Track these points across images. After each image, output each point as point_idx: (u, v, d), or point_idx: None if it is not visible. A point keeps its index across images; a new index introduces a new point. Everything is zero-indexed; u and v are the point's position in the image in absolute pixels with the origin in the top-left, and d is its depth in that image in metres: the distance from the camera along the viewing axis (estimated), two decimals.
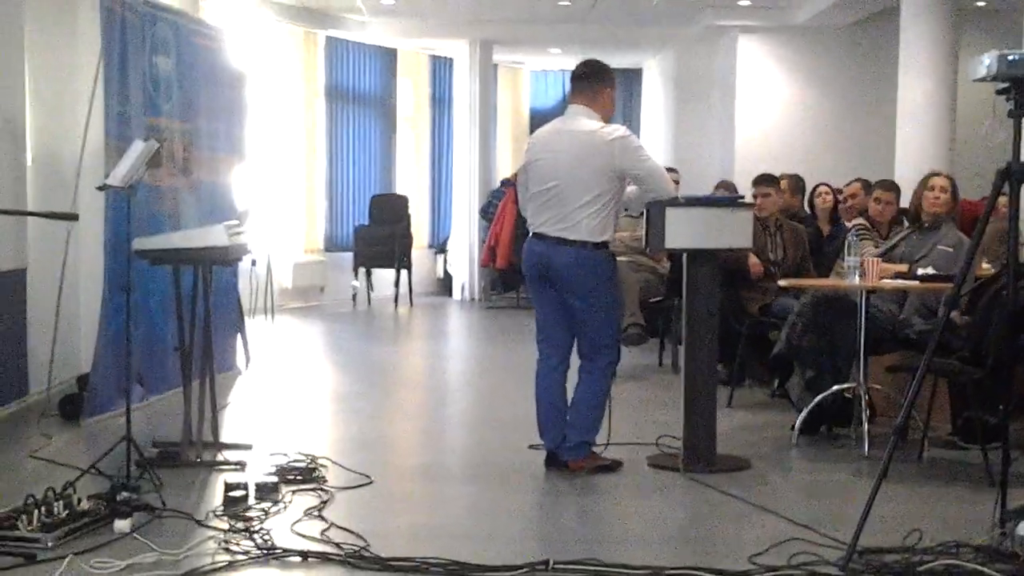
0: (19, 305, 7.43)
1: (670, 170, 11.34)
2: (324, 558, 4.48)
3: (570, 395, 6.10)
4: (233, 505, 5.13)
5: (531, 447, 6.30)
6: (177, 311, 6.29)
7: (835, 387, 6.76)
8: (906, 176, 10.33)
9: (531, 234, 6.06)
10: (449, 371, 10.79)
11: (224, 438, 6.50)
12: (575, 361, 6.12)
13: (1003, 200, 7.58)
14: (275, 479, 5.48)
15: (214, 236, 6.11)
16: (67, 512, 4.75)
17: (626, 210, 6.22)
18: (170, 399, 7.65)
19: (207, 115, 8.65)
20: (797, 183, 9.92)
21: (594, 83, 6.12)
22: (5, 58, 7.30)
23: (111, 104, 7.24)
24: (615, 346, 6.13)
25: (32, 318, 7.54)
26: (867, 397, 6.63)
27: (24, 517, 4.63)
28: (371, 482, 5.71)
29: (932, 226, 7.12)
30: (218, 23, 10.55)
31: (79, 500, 4.88)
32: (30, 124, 7.70)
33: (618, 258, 9.46)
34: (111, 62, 7.24)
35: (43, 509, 4.69)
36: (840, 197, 9.81)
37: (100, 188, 6.36)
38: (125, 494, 5.00)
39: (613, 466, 6.05)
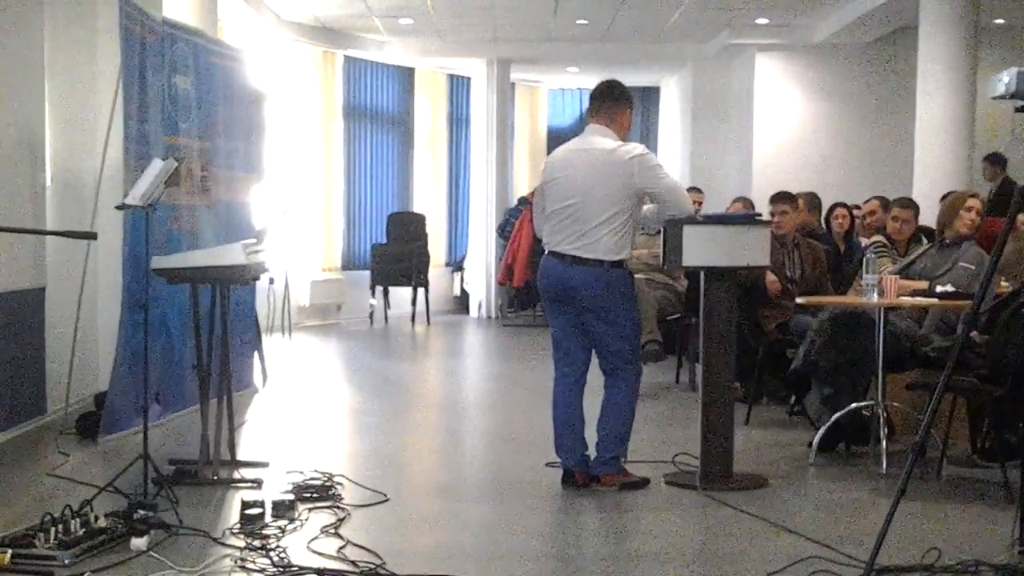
0: (38, 323, 7.46)
1: (693, 190, 11.38)
2: None
3: (589, 412, 6.09)
4: (250, 523, 5.12)
5: (548, 464, 6.28)
6: (195, 329, 6.31)
7: (853, 405, 6.73)
8: (924, 194, 10.31)
9: (547, 252, 6.06)
10: (466, 389, 10.79)
11: (241, 456, 6.52)
12: (592, 379, 6.10)
13: (1022, 218, 7.61)
14: (291, 497, 5.48)
15: (232, 254, 6.12)
16: (84, 530, 4.75)
17: (643, 228, 6.20)
18: (187, 417, 7.67)
19: (225, 134, 8.68)
20: (813, 200, 9.91)
21: (614, 104, 6.13)
22: (25, 78, 7.34)
23: (130, 123, 7.27)
24: (637, 360, 6.12)
25: (50, 336, 7.56)
26: (885, 415, 6.60)
27: (41, 535, 4.63)
28: (387, 500, 5.71)
29: (953, 243, 7.11)
30: (237, 43, 10.60)
31: (96, 518, 4.89)
32: (49, 143, 7.73)
33: (636, 275, 9.50)
34: (130, 81, 7.28)
35: (60, 527, 4.69)
36: (858, 215, 9.80)
37: (119, 207, 6.39)
38: (142, 512, 5.01)
39: (641, 483, 6.04)
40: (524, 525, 5.48)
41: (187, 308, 6.57)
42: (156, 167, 6.09)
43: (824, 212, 10.28)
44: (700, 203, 11.36)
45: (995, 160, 12.71)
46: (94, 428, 7.13)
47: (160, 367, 7.48)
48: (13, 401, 7.11)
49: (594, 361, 6.10)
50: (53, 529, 4.66)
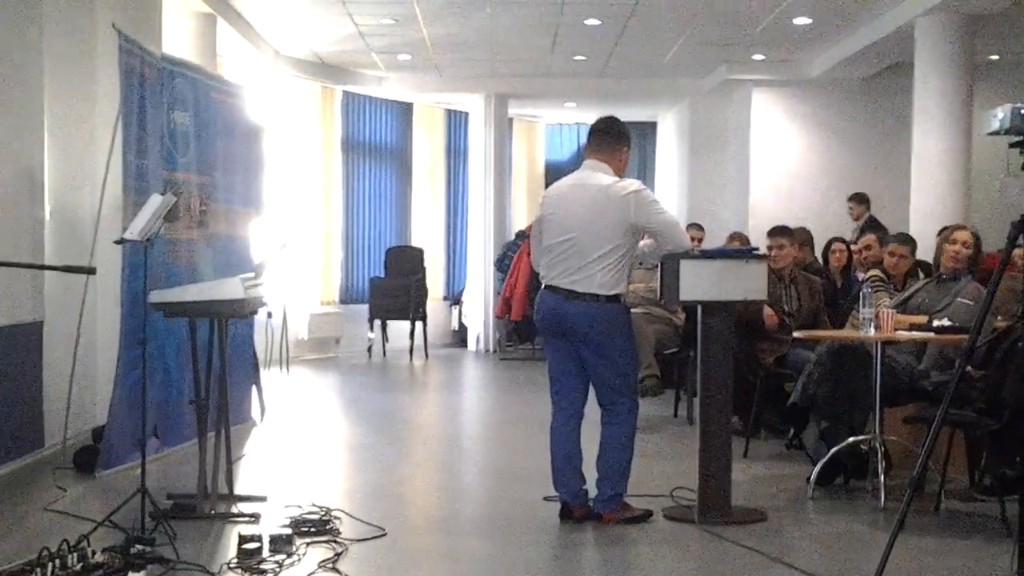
0: (36, 358, 7.46)
1: (694, 227, 11.38)
2: None
3: (587, 446, 6.09)
4: (247, 557, 5.12)
5: (546, 499, 6.28)
6: (193, 363, 6.31)
7: (851, 439, 6.73)
8: (921, 229, 10.34)
9: (544, 286, 6.07)
10: (464, 423, 10.78)
11: (239, 490, 6.51)
12: (589, 412, 6.11)
13: (1019, 252, 7.63)
14: (289, 531, 5.47)
15: (230, 288, 6.13)
16: (81, 565, 4.74)
17: (640, 263, 6.22)
18: (185, 451, 7.67)
19: (224, 168, 8.71)
20: (804, 236, 9.95)
21: (613, 140, 6.17)
22: (25, 113, 7.37)
23: (129, 158, 7.30)
24: (634, 394, 6.12)
25: (48, 370, 7.56)
26: (883, 449, 6.60)
27: (38, 570, 4.62)
28: (385, 534, 5.70)
29: (950, 278, 7.13)
30: (236, 78, 10.66)
31: (93, 553, 4.87)
32: (49, 178, 7.76)
33: (633, 310, 9.50)
34: (129, 117, 7.31)
35: (57, 562, 4.68)
36: (855, 250, 9.83)
37: (118, 242, 6.42)
38: (139, 547, 5.00)
39: (643, 516, 6.04)
40: (522, 560, 5.47)
41: (185, 342, 6.58)
42: (155, 202, 6.11)
43: (822, 247, 10.32)
44: (700, 240, 11.41)
45: (860, 199, 12.90)
46: (92, 462, 7.12)
47: (158, 401, 7.48)
48: (10, 435, 7.10)
49: (592, 396, 6.11)
50: (50, 564, 4.65)
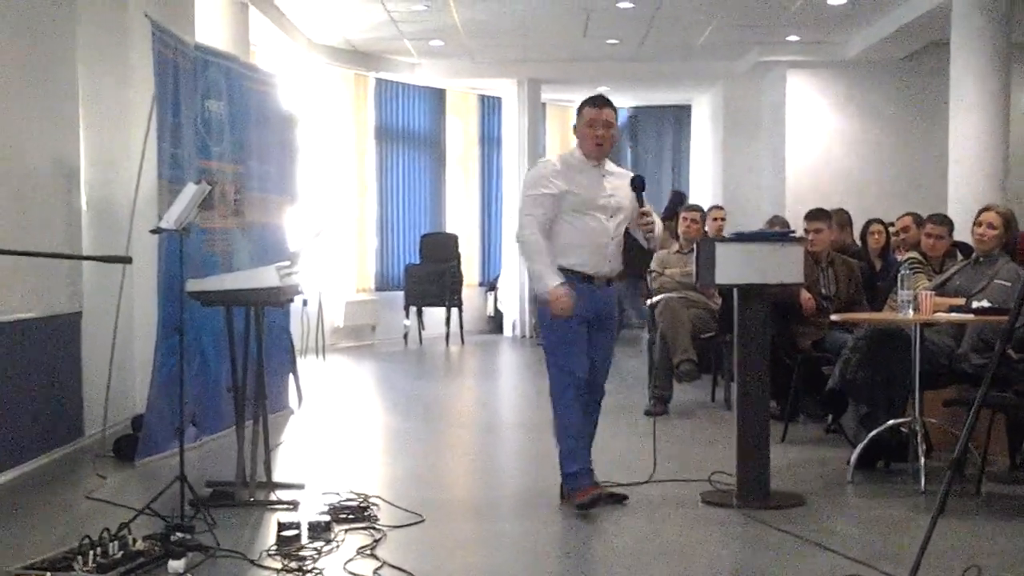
0: (74, 348, 7.51)
1: (716, 208, 11.30)
2: None
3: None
4: (286, 544, 5.13)
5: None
6: (230, 351, 6.33)
7: (890, 422, 6.69)
8: (959, 210, 10.25)
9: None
10: (500, 409, 10.78)
11: (277, 477, 6.53)
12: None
13: None
14: (327, 518, 5.48)
15: (266, 277, 6.15)
16: (122, 552, 4.77)
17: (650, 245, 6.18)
18: (223, 439, 7.70)
19: (258, 157, 8.73)
20: (843, 217, 9.88)
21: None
22: (59, 104, 7.41)
23: (164, 148, 7.33)
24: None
25: (87, 360, 7.62)
26: (923, 431, 6.55)
27: (80, 558, 4.66)
28: (423, 520, 5.70)
29: (988, 259, 7.07)
30: (269, 67, 10.68)
31: (134, 540, 4.91)
32: (84, 169, 7.80)
33: (669, 294, 9.51)
34: (163, 106, 7.34)
35: (98, 550, 4.72)
36: (891, 230, 9.75)
37: (153, 231, 6.44)
38: (179, 534, 5.03)
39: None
40: (560, 545, 5.47)
41: (222, 331, 6.60)
42: (190, 191, 6.13)
43: (860, 229, 10.24)
44: (723, 219, 11.37)
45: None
46: (131, 451, 7.16)
47: (196, 390, 7.51)
48: (51, 424, 7.16)
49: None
50: (91, 552, 4.68)
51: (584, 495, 5.88)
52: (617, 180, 6.06)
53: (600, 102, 6.09)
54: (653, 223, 6.01)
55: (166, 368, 7.14)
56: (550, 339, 6.09)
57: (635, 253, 6.32)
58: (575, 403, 5.99)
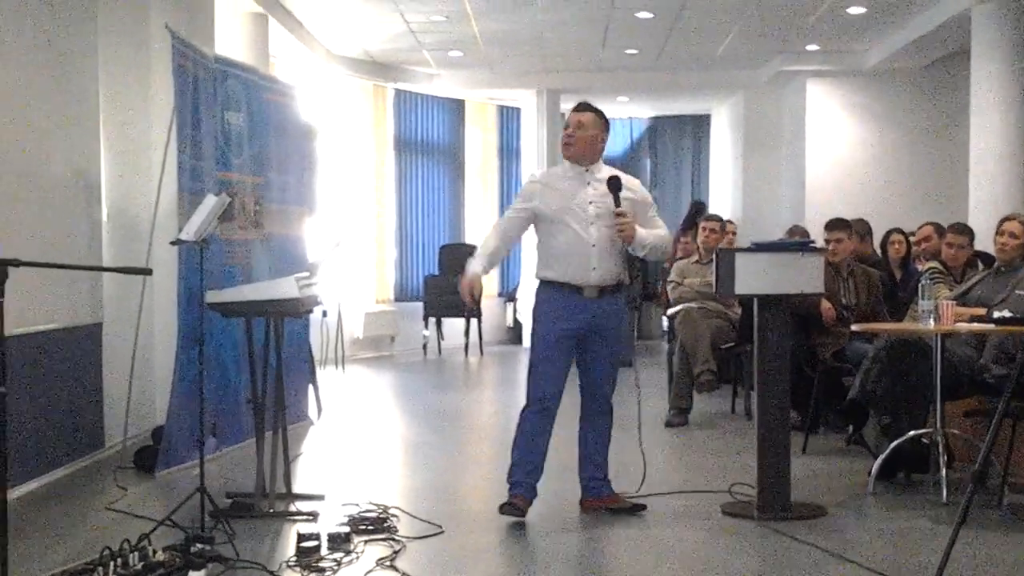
0: (95, 359, 7.53)
1: (728, 222, 11.20)
2: None
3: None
4: (306, 555, 5.14)
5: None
6: (249, 363, 6.35)
7: (912, 433, 6.66)
8: (980, 219, 10.20)
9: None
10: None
11: (296, 488, 6.53)
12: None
13: None
14: (347, 529, 5.49)
15: (285, 288, 6.16)
16: (142, 564, 4.78)
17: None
18: (243, 450, 7.71)
19: (278, 169, 8.76)
20: (862, 227, 9.84)
21: None
22: (81, 117, 7.44)
23: (184, 159, 7.35)
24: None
25: (108, 372, 7.64)
26: (944, 442, 6.52)
27: (100, 569, 4.66)
28: (442, 532, 5.70)
29: (1009, 269, 7.04)
30: (288, 78, 10.71)
31: (154, 551, 4.91)
32: (105, 181, 7.83)
33: (689, 304, 9.49)
34: (183, 118, 7.36)
35: (119, 561, 4.72)
36: (913, 240, 9.71)
37: (173, 243, 6.46)
38: (199, 545, 5.03)
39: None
40: (578, 556, 5.46)
41: (242, 342, 6.61)
42: (209, 203, 6.15)
43: (880, 239, 10.21)
44: (734, 233, 11.36)
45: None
46: (151, 462, 7.18)
47: (216, 401, 7.52)
48: (72, 436, 7.17)
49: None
50: (112, 563, 4.69)
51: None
52: (605, 186, 5.96)
53: (578, 107, 6.15)
54: (625, 225, 5.86)
55: (186, 379, 7.16)
56: (531, 354, 6.11)
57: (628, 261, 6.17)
58: (533, 418, 6.11)
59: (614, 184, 5.92)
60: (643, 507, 6.10)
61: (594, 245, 5.93)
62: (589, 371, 6.10)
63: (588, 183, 6.00)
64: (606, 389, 6.14)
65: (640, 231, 5.94)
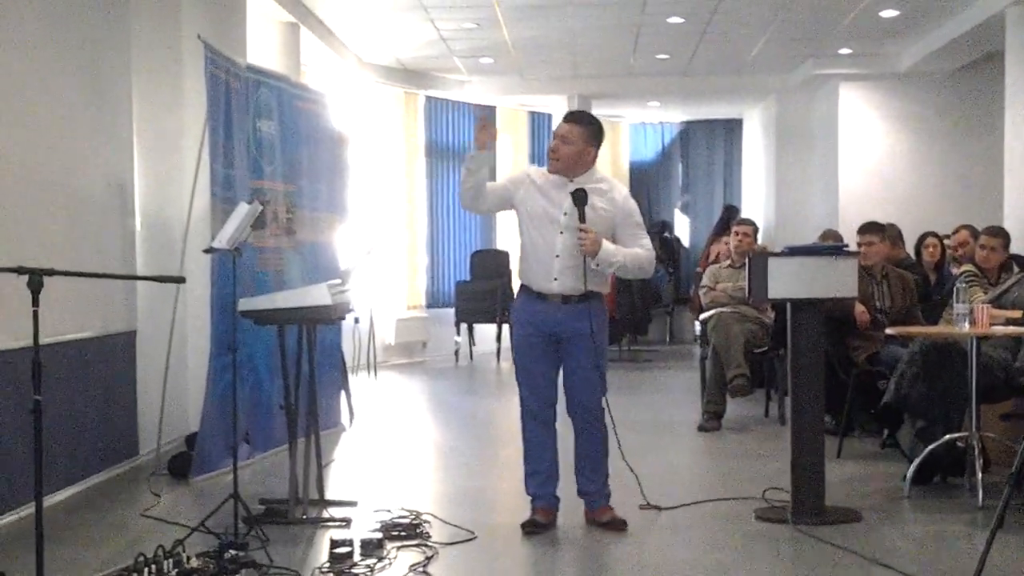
0: (129, 367, 7.57)
1: (748, 223, 11.07)
2: None
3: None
4: (339, 562, 5.15)
5: (643, 507, 6.25)
6: (282, 369, 6.37)
7: (947, 436, 6.61)
8: (1015, 222, 10.13)
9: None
10: None
11: (329, 495, 6.55)
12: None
13: None
14: (380, 535, 5.50)
15: (317, 295, 6.18)
16: (177, 570, 4.81)
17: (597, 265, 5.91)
18: (276, 456, 7.73)
19: (309, 176, 8.78)
20: (894, 231, 9.78)
21: None
22: (114, 127, 7.48)
23: (216, 168, 7.39)
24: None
25: (142, 379, 7.68)
26: (980, 446, 6.48)
27: (135, 575, 4.69)
28: (475, 538, 5.70)
29: None
30: (320, 86, 10.74)
31: (188, 558, 4.94)
32: (139, 190, 7.87)
33: (722, 309, 9.47)
34: (216, 127, 7.40)
35: (153, 567, 4.75)
36: (949, 245, 9.66)
37: (206, 251, 6.49)
38: (233, 552, 5.05)
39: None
40: (613, 563, 5.44)
41: (274, 349, 6.63)
42: (242, 210, 6.18)
43: (914, 242, 10.15)
44: (751, 235, 11.23)
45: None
46: (185, 469, 7.22)
47: (249, 407, 7.56)
48: (106, 443, 7.21)
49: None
50: (146, 570, 4.72)
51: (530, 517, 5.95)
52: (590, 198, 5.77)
53: (567, 116, 6.02)
54: (586, 239, 5.65)
55: (219, 386, 7.19)
56: (514, 358, 6.07)
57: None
58: (531, 428, 6.09)
59: (579, 197, 5.74)
60: (623, 524, 5.95)
61: (558, 256, 5.82)
62: (566, 380, 6.00)
63: (567, 193, 5.84)
64: (584, 399, 5.96)
65: (607, 247, 5.73)
